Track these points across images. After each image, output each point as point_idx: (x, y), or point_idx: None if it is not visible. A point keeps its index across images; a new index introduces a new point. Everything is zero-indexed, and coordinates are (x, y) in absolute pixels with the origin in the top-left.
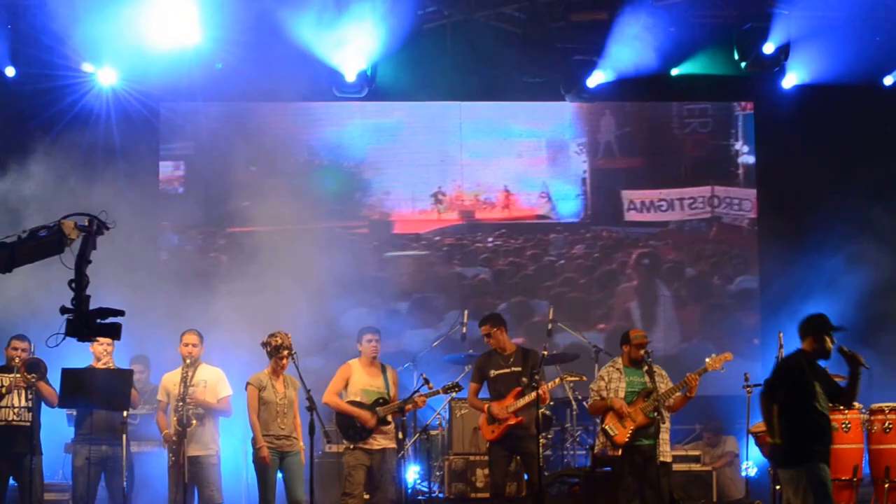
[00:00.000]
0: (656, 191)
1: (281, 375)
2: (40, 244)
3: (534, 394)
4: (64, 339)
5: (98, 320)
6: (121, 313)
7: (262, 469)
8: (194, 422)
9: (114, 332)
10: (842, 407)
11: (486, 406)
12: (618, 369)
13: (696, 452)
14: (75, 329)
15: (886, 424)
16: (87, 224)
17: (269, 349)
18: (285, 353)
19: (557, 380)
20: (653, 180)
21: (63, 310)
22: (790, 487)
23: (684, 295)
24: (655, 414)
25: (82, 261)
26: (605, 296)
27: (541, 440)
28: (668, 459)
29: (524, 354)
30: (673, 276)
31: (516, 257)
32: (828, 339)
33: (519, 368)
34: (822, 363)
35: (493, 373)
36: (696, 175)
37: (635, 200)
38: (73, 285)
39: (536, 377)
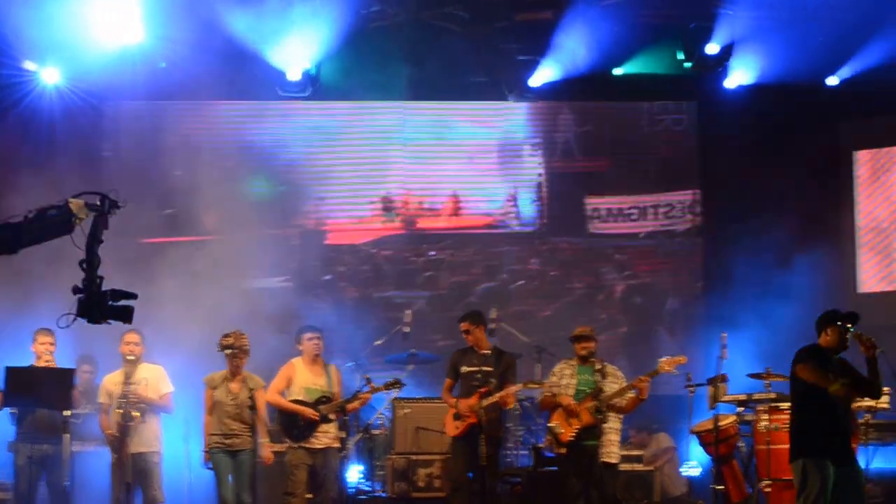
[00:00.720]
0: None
1: (238, 375)
2: (48, 224)
3: (496, 396)
4: (75, 320)
5: (110, 302)
6: (133, 296)
7: (215, 468)
8: (136, 414)
9: (126, 316)
10: (869, 398)
11: (455, 401)
12: (571, 366)
13: (639, 452)
14: (86, 310)
15: None
16: (98, 203)
17: (220, 349)
18: (235, 352)
19: (520, 385)
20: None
21: (75, 290)
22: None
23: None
24: (602, 414)
25: (93, 240)
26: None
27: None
28: (615, 461)
29: (498, 356)
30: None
31: (463, 274)
32: (837, 330)
33: (490, 368)
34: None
35: (464, 369)
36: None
37: (600, 207)
38: (84, 266)
39: (507, 379)
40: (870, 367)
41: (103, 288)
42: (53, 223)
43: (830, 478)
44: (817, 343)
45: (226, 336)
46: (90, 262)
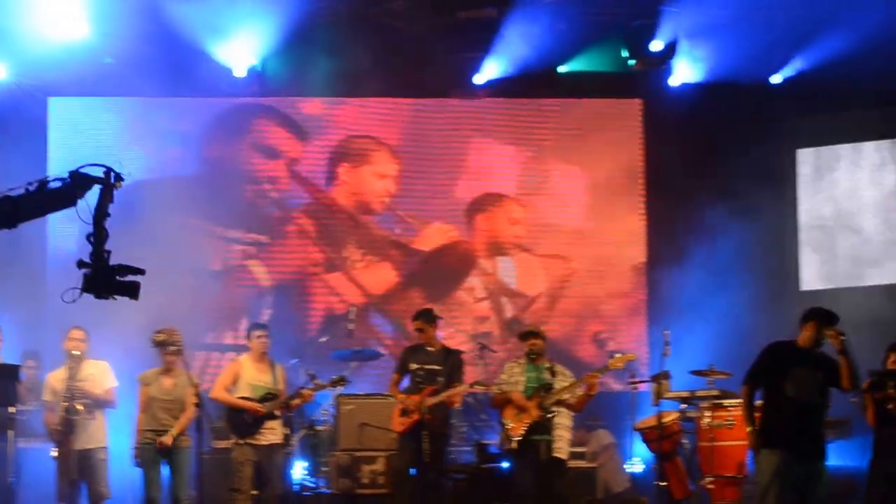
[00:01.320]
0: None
1: (173, 371)
2: (49, 196)
3: (444, 394)
4: (81, 295)
5: (118, 277)
6: (141, 272)
7: (143, 465)
8: (80, 407)
9: (132, 292)
10: (851, 391)
11: (402, 397)
12: (520, 364)
13: (582, 449)
14: (93, 285)
15: None
16: (103, 175)
17: (154, 345)
18: (168, 348)
19: (466, 387)
20: None
21: (81, 264)
22: None
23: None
24: (552, 410)
25: (100, 214)
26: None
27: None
28: (564, 456)
29: (447, 354)
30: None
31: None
32: (812, 327)
33: (439, 366)
34: None
35: (413, 366)
36: None
37: None
38: (92, 239)
39: (455, 377)
40: (841, 361)
41: (111, 262)
42: (55, 196)
43: (784, 472)
44: (794, 340)
45: (158, 332)
46: (97, 236)
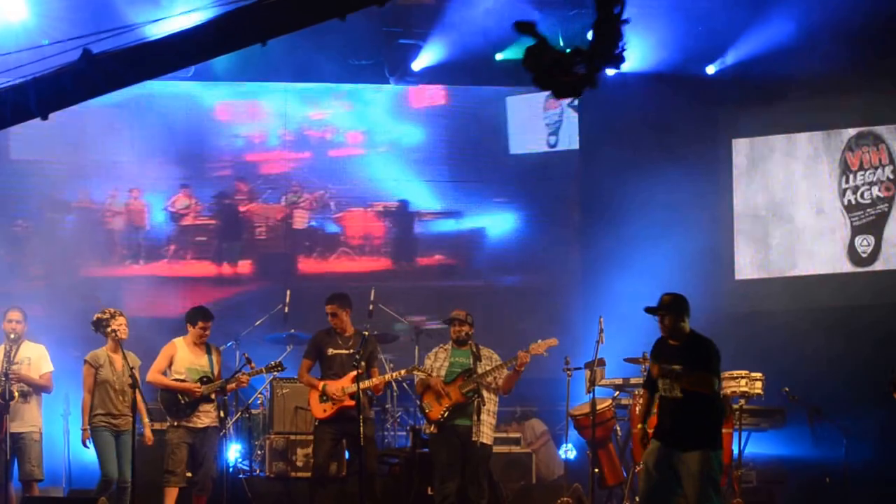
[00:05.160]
0: None
1: (120, 352)
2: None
3: (374, 381)
4: None
5: None
6: None
7: (100, 446)
8: (16, 393)
9: None
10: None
11: (322, 384)
12: (445, 349)
13: (516, 434)
14: None
15: None
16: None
17: (101, 326)
18: (115, 330)
19: (404, 371)
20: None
21: None
22: None
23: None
24: (474, 395)
25: None
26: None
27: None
28: (489, 441)
29: (363, 339)
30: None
31: None
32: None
33: (355, 352)
34: None
35: (330, 351)
36: None
37: None
38: None
39: (373, 363)
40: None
41: None
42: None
43: (651, 461)
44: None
45: (102, 313)
46: None
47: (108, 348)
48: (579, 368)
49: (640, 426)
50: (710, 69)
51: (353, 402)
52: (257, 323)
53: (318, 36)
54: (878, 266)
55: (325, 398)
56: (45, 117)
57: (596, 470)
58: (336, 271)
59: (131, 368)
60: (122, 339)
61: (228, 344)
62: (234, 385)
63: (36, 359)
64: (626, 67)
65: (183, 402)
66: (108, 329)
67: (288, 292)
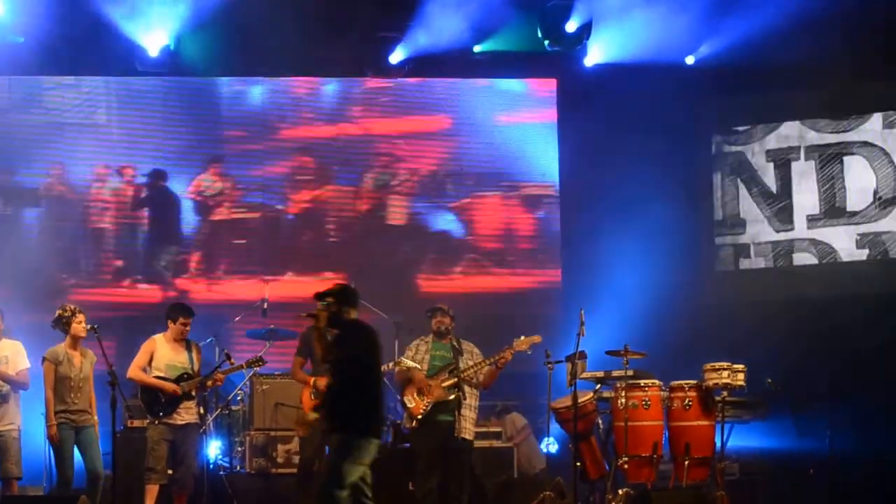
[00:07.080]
0: None
1: (78, 348)
2: None
3: None
4: None
5: None
6: None
7: (57, 445)
8: None
9: None
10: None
11: (313, 380)
12: (426, 342)
13: (497, 429)
14: None
15: (686, 402)
16: None
17: (60, 323)
18: (74, 327)
19: (391, 364)
20: None
21: None
22: None
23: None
24: (456, 390)
25: None
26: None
27: None
28: (470, 436)
29: None
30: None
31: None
32: None
33: None
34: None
35: None
36: None
37: None
38: None
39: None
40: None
41: None
42: None
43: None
44: None
45: (62, 310)
46: None
47: (67, 345)
48: (560, 361)
49: None
50: (689, 59)
51: None
52: (237, 319)
53: (294, 28)
54: (859, 257)
55: (316, 393)
56: None
57: (578, 464)
58: None
59: (110, 365)
60: (81, 337)
61: (208, 340)
62: (213, 381)
63: (13, 355)
64: (604, 57)
65: (163, 399)
66: (69, 327)
67: (266, 287)
